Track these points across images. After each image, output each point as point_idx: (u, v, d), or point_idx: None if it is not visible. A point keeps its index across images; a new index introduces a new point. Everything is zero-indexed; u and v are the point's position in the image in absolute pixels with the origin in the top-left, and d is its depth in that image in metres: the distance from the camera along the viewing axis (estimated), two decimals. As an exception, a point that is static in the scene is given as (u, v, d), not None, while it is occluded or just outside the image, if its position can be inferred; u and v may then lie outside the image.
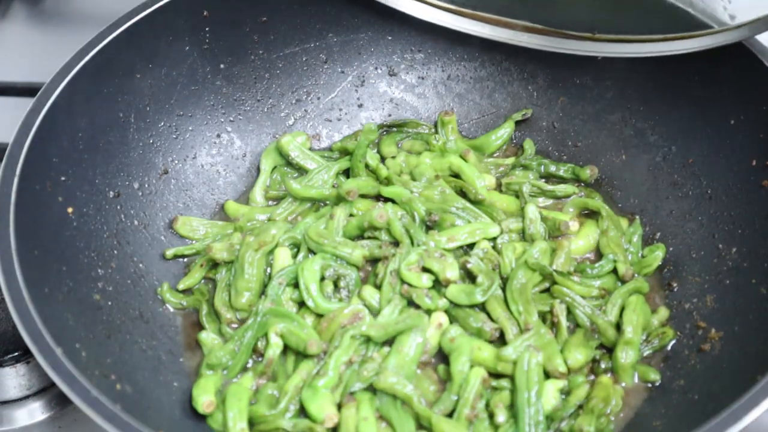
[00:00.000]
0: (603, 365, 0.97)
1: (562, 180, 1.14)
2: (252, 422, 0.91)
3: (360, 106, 1.22)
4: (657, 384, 0.96)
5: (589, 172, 1.12)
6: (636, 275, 1.03)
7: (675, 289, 1.03)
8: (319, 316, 0.99)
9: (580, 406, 0.93)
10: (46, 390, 1.02)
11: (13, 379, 1.00)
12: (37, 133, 0.93)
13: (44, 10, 1.49)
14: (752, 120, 1.00)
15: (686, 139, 1.07)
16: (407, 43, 1.21)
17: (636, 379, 0.96)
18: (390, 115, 1.22)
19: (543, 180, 1.14)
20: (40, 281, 0.85)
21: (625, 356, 0.96)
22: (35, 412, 1.01)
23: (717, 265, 1.00)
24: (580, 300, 0.99)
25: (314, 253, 1.03)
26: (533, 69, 1.18)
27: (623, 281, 1.03)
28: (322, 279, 1.02)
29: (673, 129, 1.08)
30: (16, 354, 1.00)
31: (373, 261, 1.05)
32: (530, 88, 1.19)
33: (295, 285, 1.01)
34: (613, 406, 0.92)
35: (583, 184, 1.14)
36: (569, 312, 0.99)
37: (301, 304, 1.00)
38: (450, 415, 0.92)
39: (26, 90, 1.18)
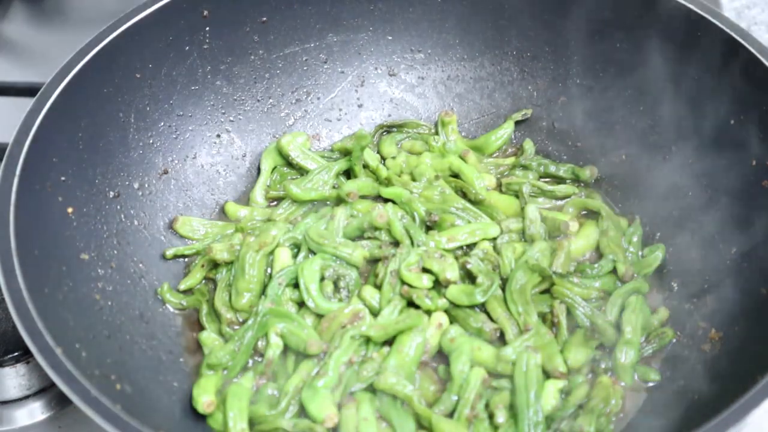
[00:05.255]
0: (603, 365, 0.97)
1: (561, 180, 1.14)
2: (252, 422, 0.91)
3: (360, 106, 1.22)
4: (657, 384, 0.96)
5: (588, 173, 1.12)
6: (636, 275, 1.03)
7: (675, 289, 1.03)
8: (319, 316, 0.99)
9: (580, 406, 0.93)
10: (46, 390, 1.02)
11: (13, 379, 1.00)
12: (37, 133, 0.92)
13: (44, 10, 1.49)
14: (752, 120, 1.00)
15: (686, 140, 1.07)
16: (407, 43, 1.21)
17: (636, 379, 0.96)
18: (390, 115, 1.22)
19: (543, 180, 1.14)
20: (40, 281, 0.85)
21: (625, 356, 0.96)
22: (35, 412, 1.01)
23: (717, 265, 1.00)
24: (579, 300, 0.99)
25: (314, 254, 1.03)
26: (533, 69, 1.18)
27: (623, 281, 1.03)
28: (322, 279, 1.02)
29: (673, 129, 1.08)
30: (16, 354, 1.00)
31: (374, 261, 1.05)
32: (530, 88, 1.19)
33: (295, 285, 1.01)
34: (612, 406, 0.92)
35: (583, 185, 1.14)
36: (569, 312, 0.99)
37: (301, 304, 1.00)
38: (450, 415, 0.92)
39: (26, 90, 1.18)
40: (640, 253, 1.06)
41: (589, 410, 0.91)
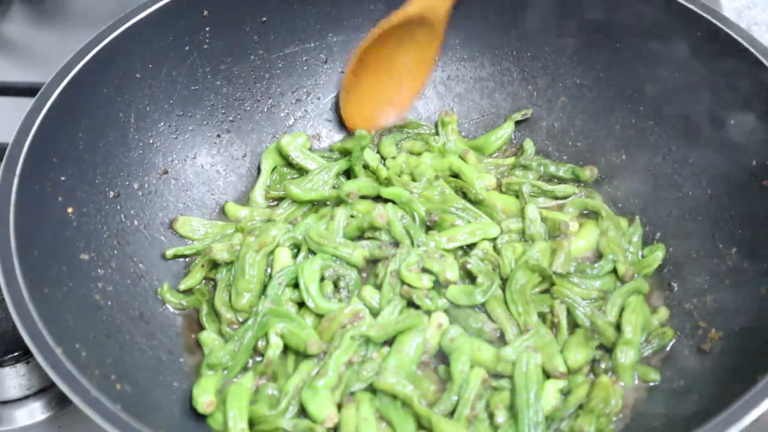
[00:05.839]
0: (603, 365, 0.97)
1: (562, 180, 1.14)
2: (252, 422, 0.91)
3: (360, 106, 1.22)
4: (657, 384, 0.96)
5: (588, 173, 1.12)
6: (636, 275, 1.03)
7: (675, 289, 1.03)
8: (319, 316, 0.99)
9: (580, 406, 0.93)
10: (46, 390, 1.02)
11: (13, 379, 1.00)
12: (37, 133, 0.92)
13: (44, 10, 1.49)
14: (752, 120, 1.00)
15: (686, 139, 1.07)
16: (407, 43, 1.21)
17: (636, 379, 0.96)
18: (390, 115, 1.23)
19: (543, 180, 1.14)
20: (40, 281, 0.85)
21: (625, 356, 0.96)
22: (35, 412, 1.01)
23: (717, 265, 1.00)
24: (579, 300, 0.99)
25: (314, 254, 1.03)
26: (533, 69, 1.18)
27: (623, 281, 1.03)
28: (322, 279, 1.02)
29: (673, 129, 1.08)
30: (16, 354, 1.00)
31: (374, 261, 1.05)
32: (530, 88, 1.19)
33: (295, 285, 1.01)
34: (612, 406, 0.92)
35: (583, 185, 1.14)
36: (569, 312, 0.99)
37: (301, 304, 1.00)
38: (450, 415, 0.92)
39: (26, 90, 1.17)
40: (640, 253, 1.06)
41: (589, 410, 0.91)
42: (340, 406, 0.92)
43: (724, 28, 1.01)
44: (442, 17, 1.12)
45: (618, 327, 0.98)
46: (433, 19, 1.11)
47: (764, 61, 0.98)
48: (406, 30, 1.12)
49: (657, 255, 1.05)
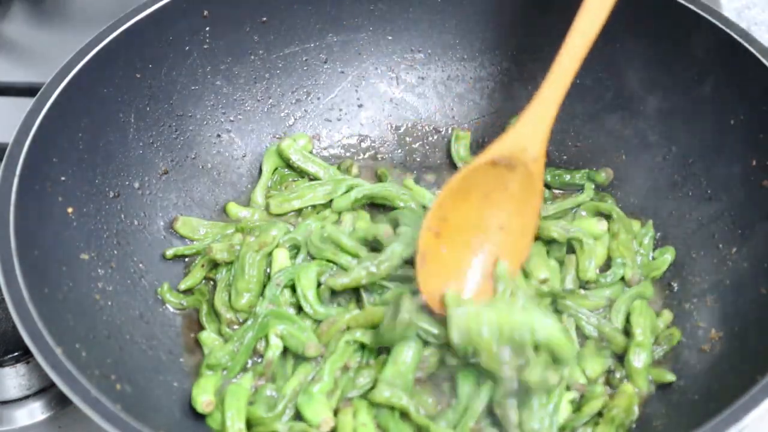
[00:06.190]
0: (618, 375, 0.95)
1: (576, 186, 1.12)
2: (249, 423, 0.91)
3: (360, 106, 1.22)
4: (657, 384, 0.96)
5: (604, 175, 1.11)
6: (642, 278, 1.03)
7: (675, 289, 1.03)
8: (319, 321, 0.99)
9: (600, 414, 0.91)
10: (46, 390, 1.02)
11: (13, 379, 1.00)
12: (37, 133, 0.92)
13: (44, 10, 1.49)
14: (752, 120, 1.00)
15: (686, 139, 1.07)
16: (407, 43, 1.21)
17: (651, 383, 0.95)
18: (390, 115, 1.22)
19: (558, 189, 1.12)
20: (40, 281, 0.85)
21: (638, 359, 0.94)
22: (35, 412, 1.01)
23: (717, 265, 1.00)
24: (585, 312, 0.98)
25: (312, 257, 1.03)
26: (533, 69, 1.18)
27: (629, 285, 1.02)
28: (319, 285, 1.01)
29: (673, 129, 1.08)
30: (16, 354, 1.00)
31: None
32: (530, 88, 1.19)
33: (293, 287, 1.01)
34: (633, 414, 0.91)
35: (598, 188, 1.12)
36: (576, 325, 0.98)
37: (300, 306, 1.00)
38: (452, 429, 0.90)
39: (26, 90, 1.17)
40: (650, 255, 1.05)
41: (610, 419, 0.90)
42: (337, 411, 0.92)
43: (724, 28, 1.01)
44: (538, 158, 0.94)
45: (626, 332, 0.98)
46: (527, 160, 0.93)
47: (764, 61, 0.98)
48: (494, 178, 0.94)
49: (666, 258, 1.04)
